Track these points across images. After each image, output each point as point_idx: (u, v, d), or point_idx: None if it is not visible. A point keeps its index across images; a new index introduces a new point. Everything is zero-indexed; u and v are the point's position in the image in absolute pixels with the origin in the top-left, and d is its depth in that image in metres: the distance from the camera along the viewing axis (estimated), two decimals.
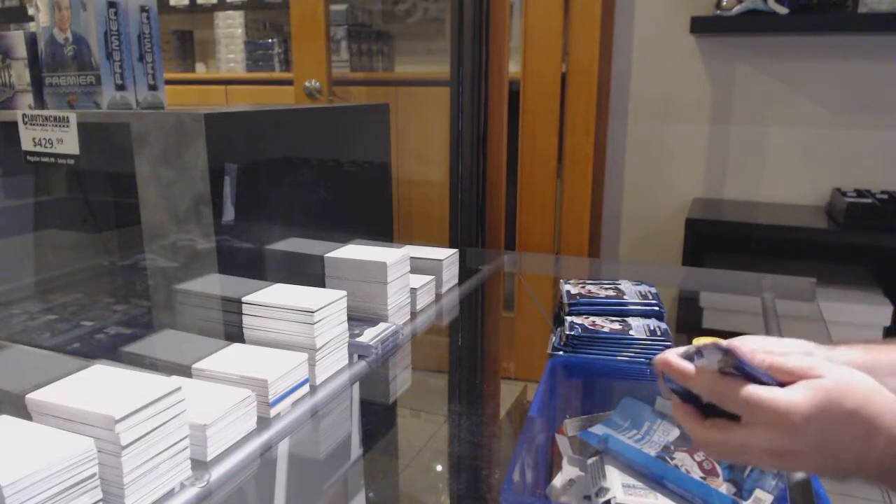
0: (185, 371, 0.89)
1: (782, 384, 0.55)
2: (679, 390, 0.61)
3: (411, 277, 1.24)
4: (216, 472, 0.75)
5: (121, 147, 0.99)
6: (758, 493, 0.73)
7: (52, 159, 1.02)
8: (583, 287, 1.27)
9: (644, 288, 1.26)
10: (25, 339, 1.06)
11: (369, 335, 1.07)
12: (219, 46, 3.25)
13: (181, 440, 0.72)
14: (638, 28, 2.28)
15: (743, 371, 0.55)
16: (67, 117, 1.00)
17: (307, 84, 2.45)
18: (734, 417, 0.56)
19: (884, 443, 0.52)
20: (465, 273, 1.50)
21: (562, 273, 1.86)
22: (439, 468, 0.98)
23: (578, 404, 1.06)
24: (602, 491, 0.74)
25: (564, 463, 0.86)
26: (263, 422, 0.85)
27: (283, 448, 0.85)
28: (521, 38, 2.19)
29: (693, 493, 0.73)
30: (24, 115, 1.04)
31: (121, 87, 1.06)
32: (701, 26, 2.06)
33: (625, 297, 1.21)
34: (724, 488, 0.75)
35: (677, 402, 0.61)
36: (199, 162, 0.94)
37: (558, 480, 0.84)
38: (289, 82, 2.55)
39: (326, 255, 1.19)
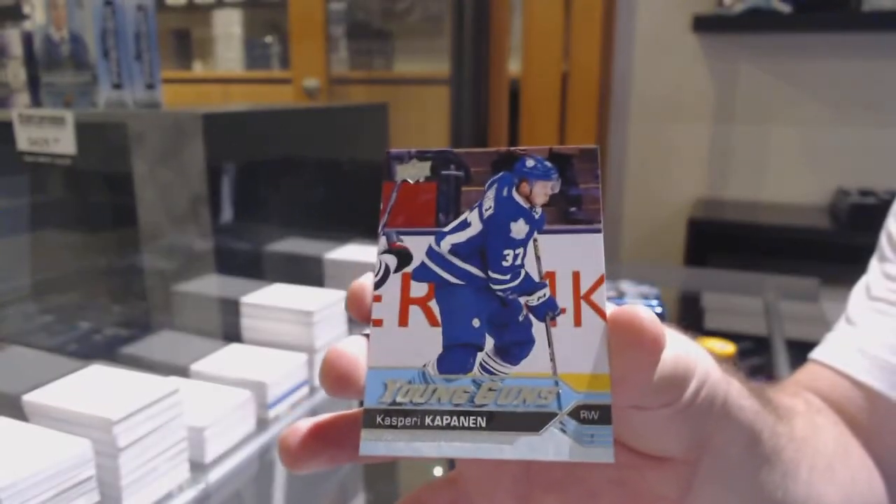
0: (182, 372, 0.88)
1: None
2: None
3: None
4: (214, 475, 0.75)
5: (118, 147, 0.98)
6: None
7: (49, 159, 1.02)
8: None
9: (645, 288, 1.25)
10: (22, 339, 1.05)
11: None
12: (217, 45, 3.24)
13: (179, 442, 0.71)
14: (639, 26, 2.27)
15: None
16: (63, 116, 0.99)
17: (306, 83, 2.44)
18: None
19: None
20: None
21: None
22: (439, 468, 0.97)
23: None
24: None
25: None
26: (262, 423, 0.84)
27: None
28: (521, 36, 2.18)
29: None
30: (19, 115, 1.03)
31: (117, 86, 1.05)
32: (703, 25, 2.05)
33: (626, 297, 1.20)
34: None
35: None
36: (197, 162, 0.93)
37: None
38: (287, 81, 2.55)
39: (325, 255, 1.18)
